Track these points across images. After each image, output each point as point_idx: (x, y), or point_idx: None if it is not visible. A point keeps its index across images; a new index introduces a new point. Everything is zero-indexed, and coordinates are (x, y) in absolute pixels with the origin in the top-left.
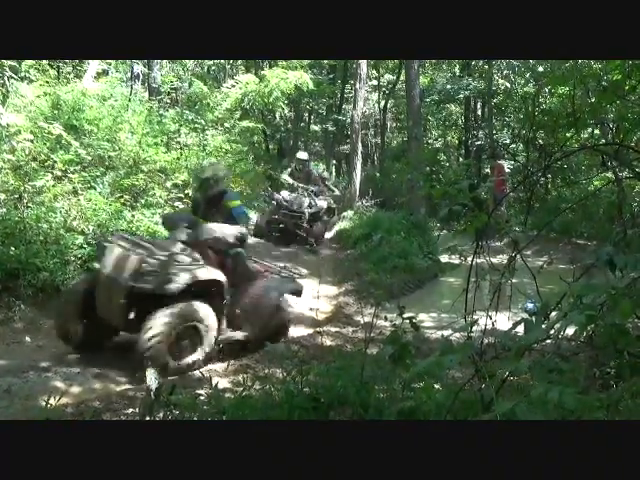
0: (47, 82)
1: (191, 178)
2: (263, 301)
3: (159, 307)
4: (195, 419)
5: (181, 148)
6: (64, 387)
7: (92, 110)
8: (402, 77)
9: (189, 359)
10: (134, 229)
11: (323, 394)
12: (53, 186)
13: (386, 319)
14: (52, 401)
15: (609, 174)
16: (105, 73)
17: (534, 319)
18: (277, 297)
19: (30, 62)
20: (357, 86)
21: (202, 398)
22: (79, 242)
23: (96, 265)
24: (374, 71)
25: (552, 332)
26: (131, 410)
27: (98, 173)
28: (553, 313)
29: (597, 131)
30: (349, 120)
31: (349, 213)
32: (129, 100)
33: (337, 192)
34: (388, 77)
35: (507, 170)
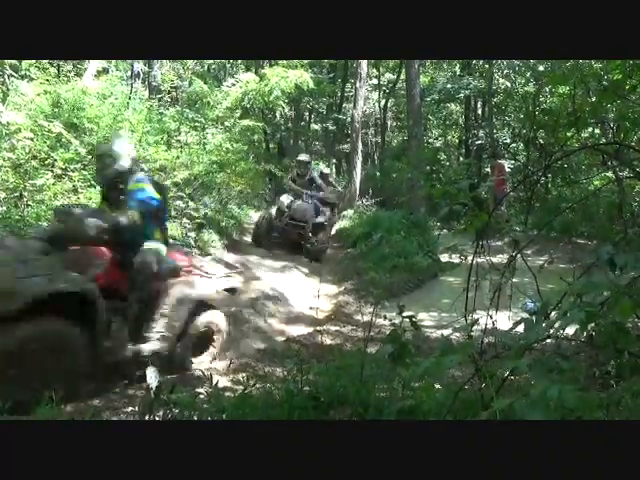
0: (47, 80)
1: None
2: (175, 307)
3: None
4: (195, 419)
5: (181, 147)
6: None
7: (92, 108)
8: (402, 76)
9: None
10: None
11: (323, 393)
12: (53, 184)
13: (386, 318)
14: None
15: (609, 174)
16: (105, 71)
17: (534, 319)
18: (193, 303)
19: (30, 60)
20: (357, 85)
21: (202, 397)
22: None
23: None
24: (374, 70)
25: (552, 331)
26: (131, 409)
27: None
28: (553, 313)
29: (597, 130)
30: (349, 119)
31: (349, 212)
32: (129, 98)
33: (339, 188)
34: (388, 76)
35: (507, 169)
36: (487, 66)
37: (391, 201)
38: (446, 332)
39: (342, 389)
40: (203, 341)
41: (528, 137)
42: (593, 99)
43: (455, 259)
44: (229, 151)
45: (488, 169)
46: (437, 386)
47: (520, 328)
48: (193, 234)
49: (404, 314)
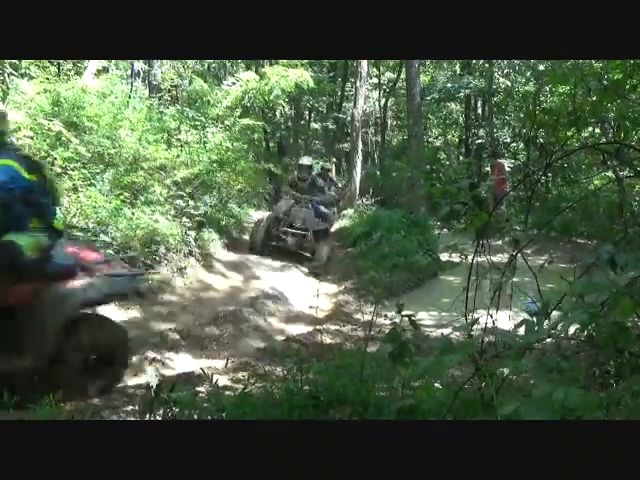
0: (47, 79)
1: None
2: (47, 317)
3: None
4: (195, 418)
5: (181, 145)
6: None
7: (92, 107)
8: (403, 75)
9: None
10: (134, 226)
11: (323, 392)
12: None
13: (386, 317)
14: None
15: (609, 173)
16: (105, 70)
17: (535, 319)
18: (73, 309)
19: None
20: (357, 84)
21: (202, 395)
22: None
23: None
24: (375, 69)
25: (553, 331)
26: (131, 407)
27: (98, 170)
28: (554, 312)
29: (597, 130)
30: (349, 118)
31: (349, 211)
32: (129, 97)
33: (340, 185)
34: (389, 75)
35: (507, 169)
36: (487, 65)
37: (391, 200)
38: (446, 331)
39: (342, 388)
40: (101, 362)
41: (528, 136)
42: (593, 98)
43: (455, 258)
44: (229, 150)
45: (488, 168)
46: (437, 385)
47: (522, 329)
48: (193, 233)
49: (403, 313)
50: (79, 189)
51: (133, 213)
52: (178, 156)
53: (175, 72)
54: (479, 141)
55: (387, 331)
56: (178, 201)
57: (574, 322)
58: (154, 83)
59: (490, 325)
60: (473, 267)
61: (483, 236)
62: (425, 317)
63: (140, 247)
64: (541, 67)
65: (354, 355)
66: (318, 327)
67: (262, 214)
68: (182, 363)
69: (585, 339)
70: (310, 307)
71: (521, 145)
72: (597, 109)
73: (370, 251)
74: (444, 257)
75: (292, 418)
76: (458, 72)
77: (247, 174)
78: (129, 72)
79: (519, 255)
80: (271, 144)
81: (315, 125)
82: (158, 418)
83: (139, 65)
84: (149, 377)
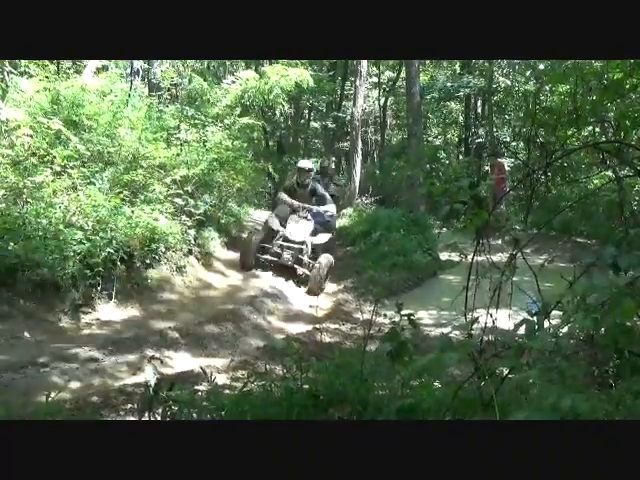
0: (47, 77)
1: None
2: None
3: None
4: (194, 416)
5: (181, 144)
6: (63, 383)
7: (92, 105)
8: (402, 74)
9: None
10: (133, 225)
11: (322, 391)
12: (52, 181)
13: (385, 316)
14: (51, 396)
15: (609, 172)
16: (105, 69)
17: (535, 319)
18: None
19: None
20: (357, 83)
21: (201, 394)
22: (78, 237)
23: None
24: (374, 68)
25: (553, 331)
26: (130, 406)
27: (97, 169)
28: (554, 312)
29: (597, 129)
30: (349, 117)
31: (349, 210)
32: (129, 96)
33: (340, 183)
34: (388, 74)
35: (507, 168)
36: (487, 65)
37: (390, 199)
38: (445, 330)
39: (341, 387)
40: None
41: (528, 135)
42: (593, 98)
43: (455, 257)
44: (229, 149)
45: (488, 167)
46: (436, 384)
47: (522, 330)
48: (193, 231)
49: (403, 312)
50: (78, 187)
51: (133, 212)
52: (178, 155)
53: (175, 71)
54: (479, 140)
55: (386, 330)
56: (177, 200)
57: (576, 327)
58: (154, 82)
59: (490, 324)
60: (473, 266)
61: (483, 235)
62: (424, 316)
63: (140, 245)
64: (541, 66)
65: (353, 354)
66: (318, 326)
67: (261, 214)
68: (181, 361)
69: (585, 339)
70: (310, 306)
71: (521, 144)
72: (597, 108)
73: (369, 250)
74: (444, 256)
75: (291, 417)
76: (458, 71)
77: (247, 173)
78: (129, 70)
79: (519, 254)
80: (271, 143)
81: (315, 124)
82: (157, 417)
83: (139, 64)
84: (148, 375)
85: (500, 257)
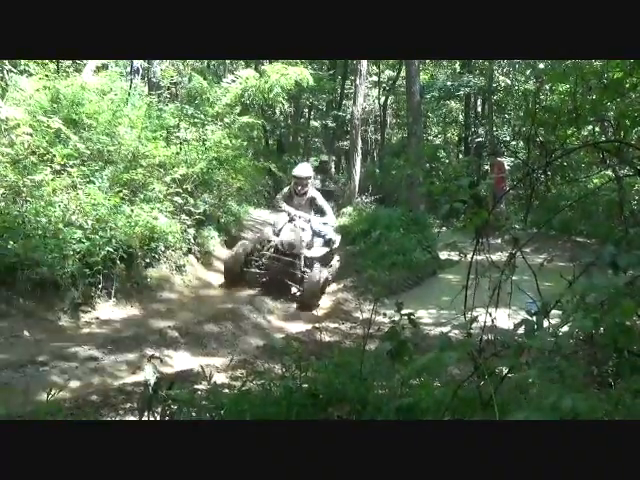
0: (46, 76)
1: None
2: None
3: None
4: (194, 415)
5: (181, 143)
6: (62, 382)
7: (91, 104)
8: (402, 73)
9: None
10: (133, 223)
11: (322, 390)
12: (52, 180)
13: (385, 315)
14: (51, 395)
15: (609, 172)
16: (105, 67)
17: (535, 318)
18: None
19: None
20: (357, 82)
21: (200, 393)
22: (78, 236)
23: None
24: (374, 67)
25: (552, 330)
26: (129, 405)
27: (97, 167)
28: (553, 311)
29: (597, 128)
30: (349, 116)
31: (348, 209)
32: (129, 94)
33: (339, 183)
34: (388, 73)
35: (507, 167)
36: (487, 64)
37: (390, 198)
38: (445, 329)
39: (341, 386)
40: None
41: (528, 135)
42: (593, 97)
43: (454, 256)
44: (228, 147)
45: (488, 167)
46: (436, 384)
47: (521, 329)
48: (192, 230)
49: (403, 311)
50: (78, 186)
51: (132, 210)
52: (177, 153)
53: (175, 69)
54: (479, 139)
55: (386, 329)
56: (177, 198)
57: (576, 327)
58: (153, 80)
59: (489, 323)
60: (472, 265)
61: (482, 234)
62: (424, 315)
63: (139, 244)
64: (541, 65)
65: (353, 353)
66: (317, 325)
67: (260, 213)
68: (181, 360)
69: (584, 338)
70: None
71: (521, 143)
72: (597, 108)
73: (369, 249)
74: (443, 255)
75: (291, 416)
76: (458, 70)
77: (246, 172)
78: (128, 69)
79: (518, 253)
80: (270, 142)
81: (315, 123)
82: (156, 416)
83: (138, 62)
84: (147, 374)
85: (500, 256)
